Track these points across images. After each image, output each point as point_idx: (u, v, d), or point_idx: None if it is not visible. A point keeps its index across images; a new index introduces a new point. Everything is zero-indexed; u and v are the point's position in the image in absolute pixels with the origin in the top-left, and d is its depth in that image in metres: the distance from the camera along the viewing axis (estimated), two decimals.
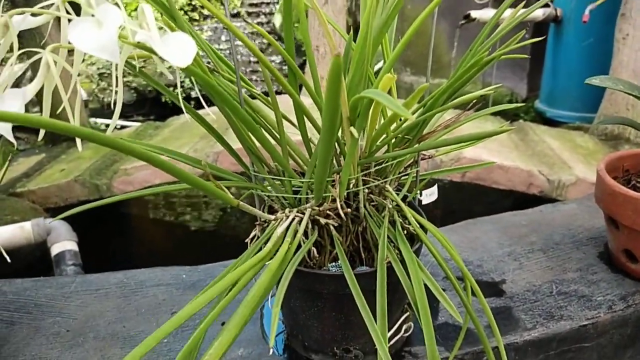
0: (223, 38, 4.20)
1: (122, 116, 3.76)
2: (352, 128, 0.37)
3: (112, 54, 0.29)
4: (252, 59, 4.03)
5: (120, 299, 0.70)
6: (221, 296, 0.48)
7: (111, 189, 1.90)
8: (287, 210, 0.50)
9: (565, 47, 2.71)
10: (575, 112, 2.64)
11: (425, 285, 0.44)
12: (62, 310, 0.68)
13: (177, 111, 3.50)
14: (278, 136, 0.49)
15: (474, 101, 0.54)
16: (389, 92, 0.41)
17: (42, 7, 0.37)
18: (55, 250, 1.62)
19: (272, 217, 0.49)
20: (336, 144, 0.51)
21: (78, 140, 0.36)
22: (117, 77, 0.34)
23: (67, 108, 0.36)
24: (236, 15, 4.36)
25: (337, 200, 0.44)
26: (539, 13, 2.71)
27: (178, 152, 0.52)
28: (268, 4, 4.25)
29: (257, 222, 0.54)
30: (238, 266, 0.48)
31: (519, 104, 0.56)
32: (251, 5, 4.20)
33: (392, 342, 0.54)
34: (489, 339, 0.58)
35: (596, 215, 0.85)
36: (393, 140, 0.53)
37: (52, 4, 0.38)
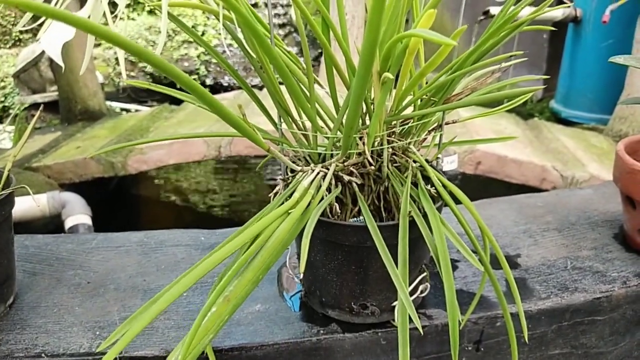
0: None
1: (137, 101, 3.79)
2: (387, 73, 0.38)
3: None
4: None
5: (141, 255, 0.71)
6: (242, 249, 0.49)
7: (126, 167, 1.92)
8: (312, 165, 0.51)
9: (584, 48, 2.70)
10: (590, 113, 2.63)
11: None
12: (83, 264, 0.70)
13: None
14: (307, 93, 0.50)
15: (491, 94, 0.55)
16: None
17: None
18: (69, 223, 1.64)
19: (299, 168, 0.50)
20: (363, 103, 0.52)
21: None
22: None
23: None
24: (254, 6, 4.38)
25: (366, 149, 0.45)
26: (558, 13, 2.70)
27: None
28: None
29: (282, 178, 0.55)
30: (261, 218, 0.49)
31: (539, 87, 0.57)
32: None
33: None
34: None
35: (611, 200, 0.86)
36: (419, 102, 0.54)
37: None
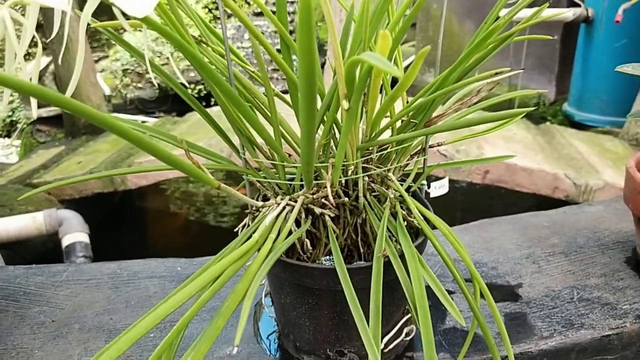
0: (246, 37, 4.20)
1: (144, 112, 3.78)
2: (343, 101, 0.33)
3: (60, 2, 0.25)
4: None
5: (111, 289, 0.66)
6: (204, 290, 0.44)
7: (125, 182, 1.89)
8: (278, 198, 0.46)
9: (596, 48, 2.61)
10: (605, 116, 2.54)
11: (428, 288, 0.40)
12: (50, 299, 0.65)
13: None
14: (269, 114, 0.45)
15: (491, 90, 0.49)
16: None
17: None
18: (66, 241, 1.61)
19: (260, 203, 0.45)
20: (335, 129, 0.47)
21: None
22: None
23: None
24: (260, 14, 4.36)
25: (328, 186, 0.40)
26: (569, 14, 2.61)
27: (160, 130, 0.48)
28: (292, 2, 4.24)
29: (248, 210, 0.50)
30: (224, 257, 0.44)
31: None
32: (275, 4, 4.21)
33: (391, 346, 0.49)
34: (501, 347, 0.53)
35: (624, 218, 0.79)
36: (398, 126, 0.48)
37: None
